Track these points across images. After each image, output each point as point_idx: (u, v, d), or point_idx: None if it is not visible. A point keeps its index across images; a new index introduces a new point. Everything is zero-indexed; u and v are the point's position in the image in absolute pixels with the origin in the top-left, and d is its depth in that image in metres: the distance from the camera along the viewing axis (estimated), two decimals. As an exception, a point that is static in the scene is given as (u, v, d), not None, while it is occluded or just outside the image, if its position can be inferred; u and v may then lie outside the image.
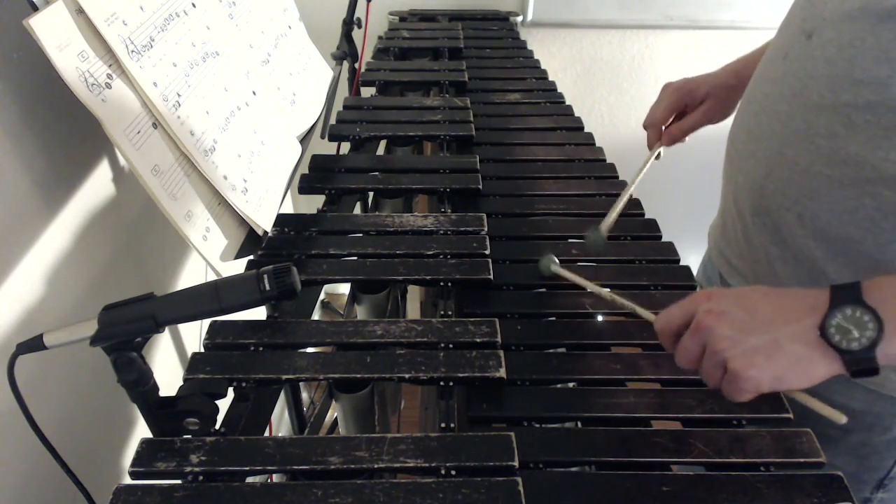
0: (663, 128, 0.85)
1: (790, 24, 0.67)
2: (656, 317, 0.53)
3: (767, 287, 0.51)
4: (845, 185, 0.59)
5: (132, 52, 0.58)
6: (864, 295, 0.45)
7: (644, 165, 0.81)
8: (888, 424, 0.67)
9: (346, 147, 0.98)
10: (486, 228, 0.74)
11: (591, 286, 0.65)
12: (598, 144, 0.97)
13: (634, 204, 0.83)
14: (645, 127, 0.86)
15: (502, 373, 0.55)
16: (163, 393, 0.50)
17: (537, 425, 0.55)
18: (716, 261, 0.82)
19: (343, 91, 1.16)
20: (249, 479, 0.48)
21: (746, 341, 0.47)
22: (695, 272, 0.76)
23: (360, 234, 0.74)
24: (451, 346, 0.58)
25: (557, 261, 0.68)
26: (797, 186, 0.63)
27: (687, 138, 0.85)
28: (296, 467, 0.48)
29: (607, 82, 1.78)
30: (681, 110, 0.84)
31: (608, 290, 0.63)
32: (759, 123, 0.68)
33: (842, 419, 0.50)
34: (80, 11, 0.54)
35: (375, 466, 0.48)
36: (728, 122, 0.79)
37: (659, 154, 0.85)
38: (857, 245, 0.60)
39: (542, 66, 1.26)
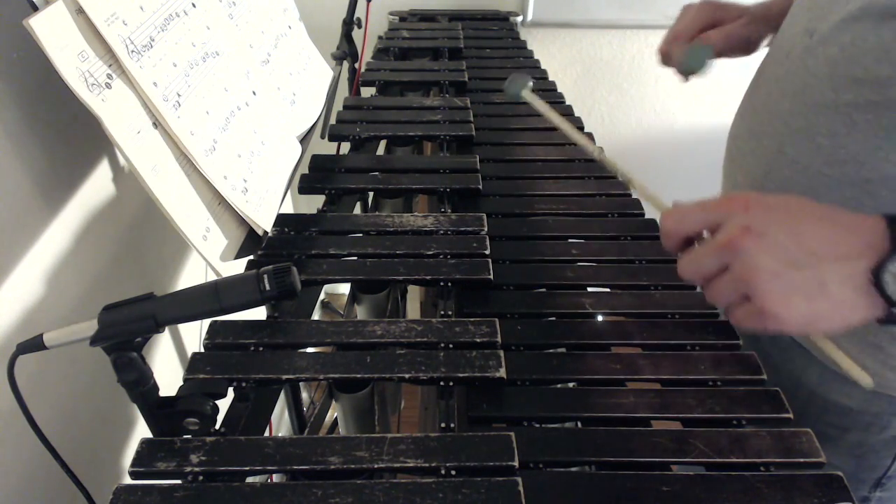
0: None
1: (793, 23, 0.67)
2: (667, 210, 0.45)
3: (814, 204, 0.44)
4: (845, 184, 0.59)
5: (132, 52, 0.58)
6: None
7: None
8: (885, 423, 0.67)
9: (346, 147, 0.98)
10: (486, 228, 0.74)
11: (564, 125, 0.57)
12: (598, 144, 0.97)
13: (634, 204, 0.83)
14: (663, 50, 0.74)
15: (502, 373, 0.55)
16: (163, 393, 0.50)
17: (537, 425, 0.55)
18: None
19: (343, 91, 1.16)
20: (249, 479, 0.48)
21: (787, 277, 0.40)
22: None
23: (360, 234, 0.74)
24: (451, 346, 0.58)
25: (531, 84, 0.59)
26: (797, 185, 0.63)
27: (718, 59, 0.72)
28: (296, 467, 0.48)
29: (607, 82, 1.78)
30: (711, 26, 0.72)
31: (597, 147, 0.54)
32: (760, 122, 0.68)
33: (869, 382, 0.45)
34: (80, 11, 0.54)
35: (375, 466, 0.48)
36: (728, 120, 0.79)
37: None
38: None
39: (542, 66, 1.26)
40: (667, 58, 0.74)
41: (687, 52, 0.62)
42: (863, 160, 0.57)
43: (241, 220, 0.69)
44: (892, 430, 0.68)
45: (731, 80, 0.88)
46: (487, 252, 0.71)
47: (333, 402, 0.76)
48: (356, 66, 1.22)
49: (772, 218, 0.41)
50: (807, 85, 0.61)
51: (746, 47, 0.74)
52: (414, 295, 1.38)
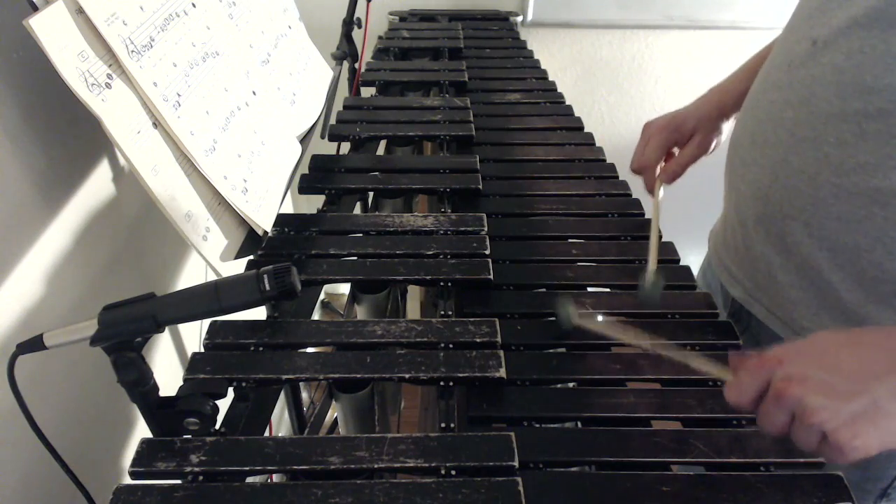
0: (658, 168, 0.81)
1: (795, 30, 0.66)
2: (726, 389, 0.47)
3: (837, 334, 0.47)
4: (853, 193, 0.58)
5: (132, 52, 0.58)
6: None
7: (656, 210, 0.78)
8: None
9: (346, 147, 0.98)
10: (486, 228, 0.74)
11: (631, 339, 0.58)
12: (598, 144, 0.97)
13: (634, 204, 0.83)
14: (636, 171, 0.82)
15: (502, 373, 0.55)
16: (163, 393, 0.50)
17: (537, 425, 0.55)
18: (716, 268, 0.82)
19: (343, 91, 1.16)
20: (249, 479, 0.48)
21: (845, 409, 0.42)
22: (695, 274, 0.76)
23: (360, 234, 0.74)
24: (451, 346, 0.58)
25: (577, 312, 0.61)
26: (804, 195, 0.62)
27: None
28: (296, 467, 0.48)
29: (607, 82, 1.78)
30: (670, 149, 0.82)
31: (652, 343, 0.57)
32: (763, 131, 0.67)
33: None
34: (80, 11, 0.54)
35: (375, 466, 0.48)
36: (728, 121, 0.79)
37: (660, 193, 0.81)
38: (866, 254, 0.59)
39: (542, 66, 1.26)
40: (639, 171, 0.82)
41: (644, 286, 0.68)
42: (873, 169, 0.56)
43: (241, 220, 0.69)
44: None
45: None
46: (487, 252, 0.71)
47: (333, 402, 0.76)
48: (356, 66, 1.22)
49: (807, 362, 0.44)
50: (812, 94, 0.60)
51: (706, 154, 0.81)
52: (414, 295, 1.38)
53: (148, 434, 0.51)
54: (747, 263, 0.73)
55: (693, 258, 0.97)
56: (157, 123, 0.60)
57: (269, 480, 0.51)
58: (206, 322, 0.58)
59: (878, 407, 0.42)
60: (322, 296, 2.11)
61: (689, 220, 1.26)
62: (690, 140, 0.80)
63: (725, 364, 0.49)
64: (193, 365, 0.55)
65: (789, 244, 0.65)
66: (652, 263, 0.70)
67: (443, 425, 0.54)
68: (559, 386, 0.59)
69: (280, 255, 0.70)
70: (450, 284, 0.67)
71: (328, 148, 0.97)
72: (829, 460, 0.44)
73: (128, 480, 0.47)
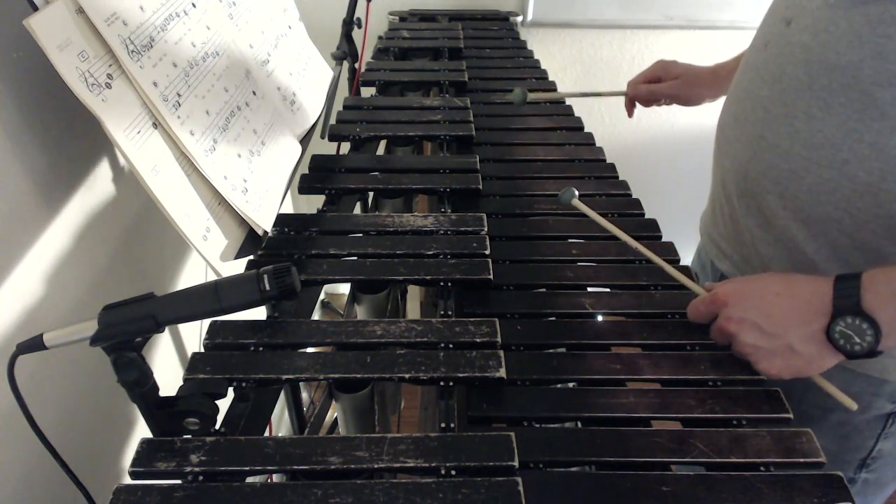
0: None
1: (772, 13, 0.70)
2: (689, 308, 0.62)
3: (778, 278, 0.59)
4: (823, 166, 0.61)
5: (132, 52, 0.58)
6: (863, 301, 0.51)
7: (606, 93, 1.06)
8: (867, 403, 0.68)
9: (346, 147, 0.98)
10: (486, 228, 0.74)
11: (615, 230, 0.67)
12: (598, 144, 0.97)
13: (634, 204, 0.83)
14: (629, 87, 1.05)
15: (502, 373, 0.55)
16: (163, 393, 0.50)
17: (537, 425, 0.55)
18: (706, 246, 0.85)
19: (343, 91, 1.16)
20: (249, 479, 0.48)
21: (766, 347, 0.55)
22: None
23: (360, 234, 0.74)
24: (451, 346, 0.58)
25: (577, 194, 0.70)
26: (778, 169, 0.65)
27: (654, 106, 1.05)
28: (296, 467, 0.48)
29: (607, 82, 1.78)
30: (655, 80, 1.01)
31: (634, 240, 0.66)
32: (743, 109, 0.70)
33: (853, 406, 0.57)
34: (80, 11, 0.54)
35: (375, 466, 0.48)
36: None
37: (626, 101, 1.06)
38: (836, 225, 0.62)
39: (542, 66, 1.26)
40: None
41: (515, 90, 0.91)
42: (839, 142, 0.59)
43: (241, 220, 0.69)
44: (874, 410, 0.68)
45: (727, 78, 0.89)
46: (487, 252, 0.71)
47: (333, 402, 0.76)
48: (356, 66, 1.22)
49: (747, 305, 0.57)
50: (784, 72, 0.64)
51: (680, 102, 1.01)
52: (414, 295, 1.38)
53: (148, 434, 0.51)
54: (734, 237, 0.77)
55: (692, 258, 0.97)
56: (157, 123, 0.60)
57: (269, 480, 0.51)
58: (206, 322, 0.58)
59: (792, 348, 0.54)
60: (322, 296, 2.11)
61: (687, 222, 1.26)
62: (670, 80, 0.99)
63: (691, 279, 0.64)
64: (193, 365, 0.55)
65: (768, 217, 0.68)
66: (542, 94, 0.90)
67: (443, 425, 0.54)
68: (559, 386, 0.59)
69: (280, 255, 0.70)
70: (450, 284, 0.67)
71: (328, 148, 0.97)
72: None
73: (128, 480, 0.47)
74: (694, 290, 0.63)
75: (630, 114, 1.07)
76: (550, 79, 1.20)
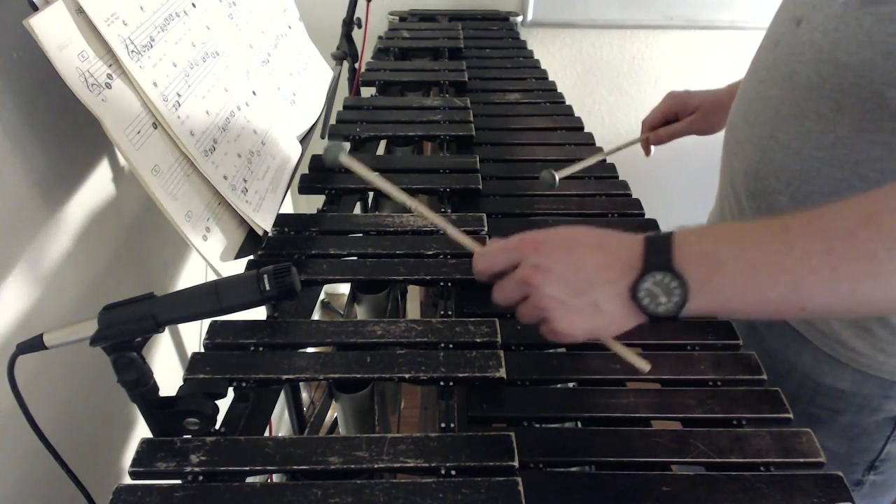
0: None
1: (782, 12, 0.69)
2: (475, 257, 0.54)
3: (591, 231, 0.51)
4: (835, 166, 0.60)
5: (132, 52, 0.58)
6: (675, 259, 0.47)
7: (627, 144, 0.93)
8: (877, 405, 0.68)
9: (345, 147, 0.98)
10: (486, 228, 0.74)
11: (385, 185, 0.59)
12: (598, 144, 0.97)
13: (634, 204, 0.83)
14: (645, 127, 0.98)
15: (502, 373, 0.55)
16: (163, 393, 0.50)
17: (537, 425, 0.55)
18: None
19: (343, 91, 1.16)
20: (249, 479, 0.48)
21: (569, 303, 0.48)
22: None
23: (360, 234, 0.74)
24: (451, 346, 0.58)
25: (347, 148, 0.60)
26: (789, 169, 0.65)
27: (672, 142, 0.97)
28: (296, 467, 0.48)
29: (607, 82, 1.78)
30: (673, 117, 0.95)
31: (412, 199, 0.57)
32: (753, 109, 0.70)
33: (645, 368, 0.52)
34: (80, 11, 0.54)
35: (375, 466, 0.48)
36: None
37: (643, 143, 0.97)
38: None
39: (542, 66, 1.26)
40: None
41: (541, 175, 0.79)
42: (850, 142, 0.59)
43: (241, 220, 0.69)
44: (883, 413, 0.68)
45: (731, 80, 0.89)
46: (487, 252, 0.70)
47: (333, 402, 0.76)
48: (356, 66, 1.22)
49: (556, 256, 0.49)
50: (794, 72, 0.63)
51: (702, 133, 0.94)
52: (414, 295, 1.38)
53: (148, 434, 0.51)
54: None
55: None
56: (157, 123, 0.60)
57: (269, 480, 0.51)
58: (206, 322, 0.58)
59: (596, 306, 0.48)
60: (322, 296, 2.11)
61: (687, 222, 1.26)
62: (689, 116, 0.93)
63: (478, 241, 0.57)
64: (193, 365, 0.55)
65: None
66: (572, 168, 0.82)
67: (443, 425, 0.54)
68: (559, 386, 0.59)
69: (280, 255, 0.70)
70: (450, 284, 0.67)
71: (328, 148, 0.97)
72: (542, 333, 0.50)
73: (128, 480, 0.47)
74: (471, 247, 0.57)
75: (647, 153, 0.99)
76: (550, 79, 1.20)
